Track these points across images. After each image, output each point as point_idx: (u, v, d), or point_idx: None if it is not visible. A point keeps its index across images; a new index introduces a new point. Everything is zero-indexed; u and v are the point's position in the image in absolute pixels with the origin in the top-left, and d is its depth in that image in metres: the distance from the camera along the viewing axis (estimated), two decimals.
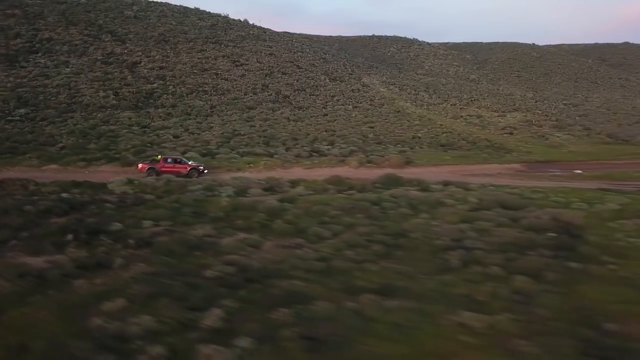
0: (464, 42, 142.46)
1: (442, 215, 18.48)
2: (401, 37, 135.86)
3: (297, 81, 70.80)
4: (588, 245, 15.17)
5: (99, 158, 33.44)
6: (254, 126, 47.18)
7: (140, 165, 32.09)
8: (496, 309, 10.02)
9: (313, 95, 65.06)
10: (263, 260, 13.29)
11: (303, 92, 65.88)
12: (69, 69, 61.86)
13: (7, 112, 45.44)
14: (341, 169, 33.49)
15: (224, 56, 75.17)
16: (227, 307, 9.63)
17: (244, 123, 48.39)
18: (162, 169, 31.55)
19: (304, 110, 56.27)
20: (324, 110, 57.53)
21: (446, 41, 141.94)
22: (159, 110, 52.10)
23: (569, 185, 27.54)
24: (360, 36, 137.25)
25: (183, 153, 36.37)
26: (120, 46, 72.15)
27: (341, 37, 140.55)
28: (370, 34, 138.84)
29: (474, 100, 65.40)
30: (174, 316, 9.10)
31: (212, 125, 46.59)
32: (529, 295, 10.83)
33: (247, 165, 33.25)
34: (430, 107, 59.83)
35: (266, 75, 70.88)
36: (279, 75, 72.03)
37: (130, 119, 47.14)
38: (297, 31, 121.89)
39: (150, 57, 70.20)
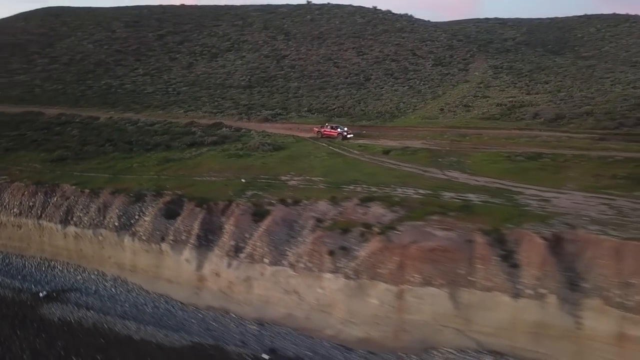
0: None
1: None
2: (620, 15, 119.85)
3: (398, 67, 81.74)
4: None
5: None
6: (276, 100, 64.87)
7: (314, 129, 42.52)
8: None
9: (395, 78, 75.45)
10: None
11: (389, 76, 76.96)
12: (240, 62, 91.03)
13: (174, 88, 76.44)
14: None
15: (354, 48, 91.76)
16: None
17: (282, 97, 66.33)
18: (324, 132, 41.19)
19: (358, 91, 69.08)
20: (377, 90, 68.78)
21: None
22: (259, 89, 74.71)
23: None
24: (569, 17, 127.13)
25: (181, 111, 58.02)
26: (284, 43, 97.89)
27: (557, 18, 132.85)
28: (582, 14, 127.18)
29: (542, 83, 62.77)
30: None
31: (261, 97, 66.59)
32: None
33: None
34: (479, 88, 63.02)
35: (374, 63, 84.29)
36: (387, 62, 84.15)
37: (230, 93, 71.46)
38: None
39: (298, 51, 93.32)
